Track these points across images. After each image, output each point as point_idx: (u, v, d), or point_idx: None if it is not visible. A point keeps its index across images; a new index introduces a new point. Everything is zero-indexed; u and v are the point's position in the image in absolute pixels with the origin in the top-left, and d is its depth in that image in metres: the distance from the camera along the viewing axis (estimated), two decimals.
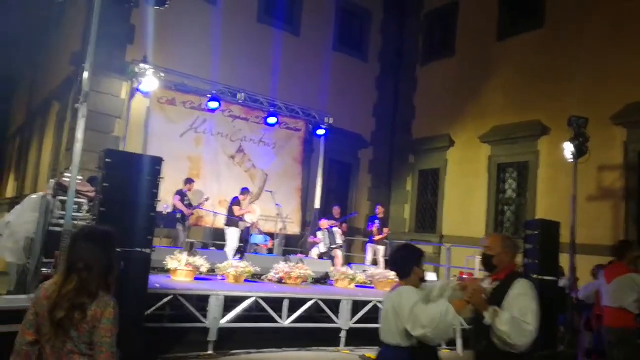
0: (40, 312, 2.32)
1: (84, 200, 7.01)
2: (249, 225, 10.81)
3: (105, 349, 2.28)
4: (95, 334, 2.28)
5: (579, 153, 9.25)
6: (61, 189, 6.81)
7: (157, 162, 5.81)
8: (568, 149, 9.33)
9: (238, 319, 6.95)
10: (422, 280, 3.29)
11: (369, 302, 8.02)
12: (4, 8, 15.64)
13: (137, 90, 10.81)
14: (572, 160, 9.40)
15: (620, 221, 10.53)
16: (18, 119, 21.92)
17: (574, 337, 8.00)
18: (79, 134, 5.87)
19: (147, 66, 10.63)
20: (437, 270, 12.94)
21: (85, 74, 6.06)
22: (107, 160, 5.50)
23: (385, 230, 11.93)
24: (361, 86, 15.69)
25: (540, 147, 12.32)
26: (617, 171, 10.74)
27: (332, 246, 11.21)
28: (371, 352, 7.56)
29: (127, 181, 5.52)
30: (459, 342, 3.10)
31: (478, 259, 11.65)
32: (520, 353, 2.95)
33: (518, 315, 2.94)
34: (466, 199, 13.84)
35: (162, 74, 10.83)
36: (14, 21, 16.49)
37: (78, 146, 5.85)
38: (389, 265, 2.96)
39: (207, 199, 10.80)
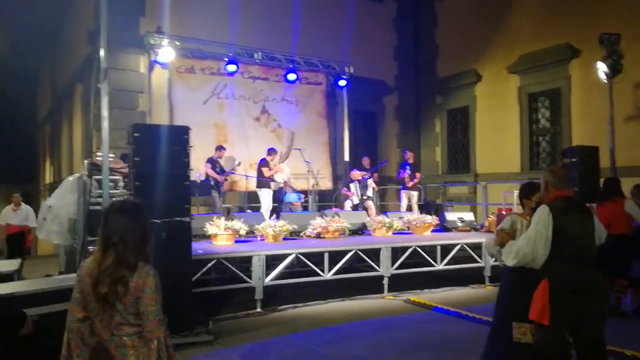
0: (84, 289, 2.38)
1: (118, 177, 7.15)
2: (281, 185, 10.88)
3: (152, 317, 2.33)
4: (141, 304, 2.33)
5: (613, 72, 8.86)
6: (95, 168, 6.97)
7: (184, 131, 5.82)
8: (601, 68, 8.94)
9: (281, 276, 7.07)
10: (534, 208, 3.64)
11: (408, 247, 8.04)
12: None
13: (155, 62, 10.80)
14: (607, 81, 9.03)
15: None
16: (45, 106, 22.31)
17: None
18: (104, 112, 5.92)
19: (162, 36, 10.57)
20: (474, 209, 12.82)
21: (102, 51, 6.04)
22: (135, 134, 5.53)
23: (417, 175, 11.81)
24: (379, 30, 15.23)
25: (572, 71, 11.82)
26: None
27: (364, 197, 11.21)
28: (414, 295, 7.65)
29: (157, 153, 5.53)
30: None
31: (516, 194, 11.47)
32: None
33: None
34: (498, 134, 13.52)
35: (178, 43, 10.77)
36: (27, 8, 16.54)
37: (105, 124, 5.91)
38: None
39: (239, 164, 10.88)
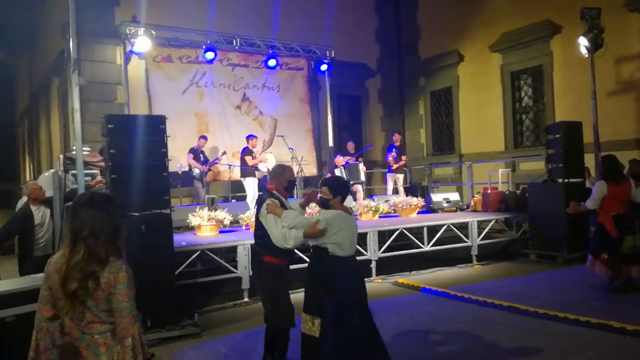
0: (53, 286, 2.27)
1: (96, 171, 6.98)
2: (265, 173, 10.74)
3: (125, 313, 2.22)
4: (113, 300, 2.22)
5: (595, 46, 8.82)
6: (71, 162, 6.77)
7: (161, 120, 5.63)
8: (582, 43, 8.90)
9: None
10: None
11: (395, 230, 8.00)
12: None
13: (131, 52, 10.55)
14: (588, 55, 8.99)
15: None
16: (23, 102, 21.83)
17: None
18: (76, 104, 5.73)
19: (137, 25, 10.33)
20: (460, 190, 12.81)
21: (71, 42, 5.83)
22: (109, 126, 5.35)
23: (403, 157, 11.76)
24: (360, 12, 15.05)
25: (553, 47, 11.79)
26: (636, 60, 10.24)
27: (351, 182, 11.11)
28: (402, 277, 7.62)
29: (133, 144, 5.35)
30: None
31: (501, 172, 11.48)
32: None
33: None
34: (482, 113, 13.48)
35: (154, 32, 10.53)
36: (1, 2, 16.07)
37: (77, 116, 5.73)
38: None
39: (224, 153, 10.72)
